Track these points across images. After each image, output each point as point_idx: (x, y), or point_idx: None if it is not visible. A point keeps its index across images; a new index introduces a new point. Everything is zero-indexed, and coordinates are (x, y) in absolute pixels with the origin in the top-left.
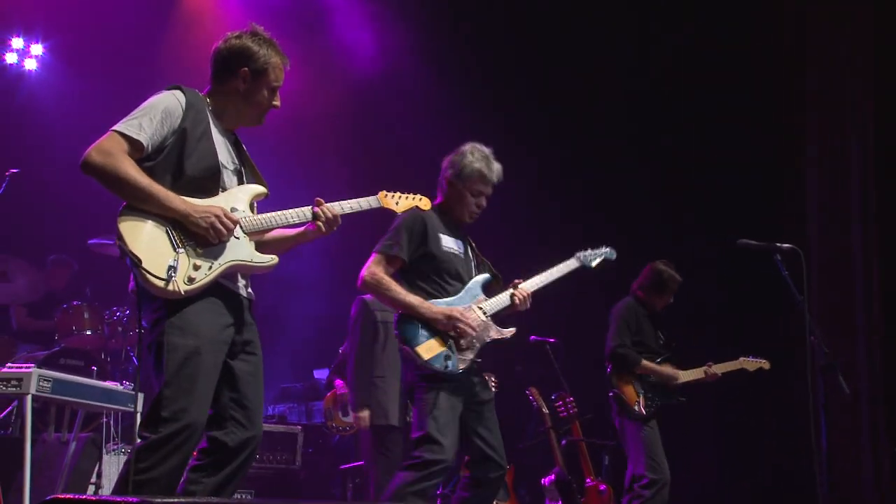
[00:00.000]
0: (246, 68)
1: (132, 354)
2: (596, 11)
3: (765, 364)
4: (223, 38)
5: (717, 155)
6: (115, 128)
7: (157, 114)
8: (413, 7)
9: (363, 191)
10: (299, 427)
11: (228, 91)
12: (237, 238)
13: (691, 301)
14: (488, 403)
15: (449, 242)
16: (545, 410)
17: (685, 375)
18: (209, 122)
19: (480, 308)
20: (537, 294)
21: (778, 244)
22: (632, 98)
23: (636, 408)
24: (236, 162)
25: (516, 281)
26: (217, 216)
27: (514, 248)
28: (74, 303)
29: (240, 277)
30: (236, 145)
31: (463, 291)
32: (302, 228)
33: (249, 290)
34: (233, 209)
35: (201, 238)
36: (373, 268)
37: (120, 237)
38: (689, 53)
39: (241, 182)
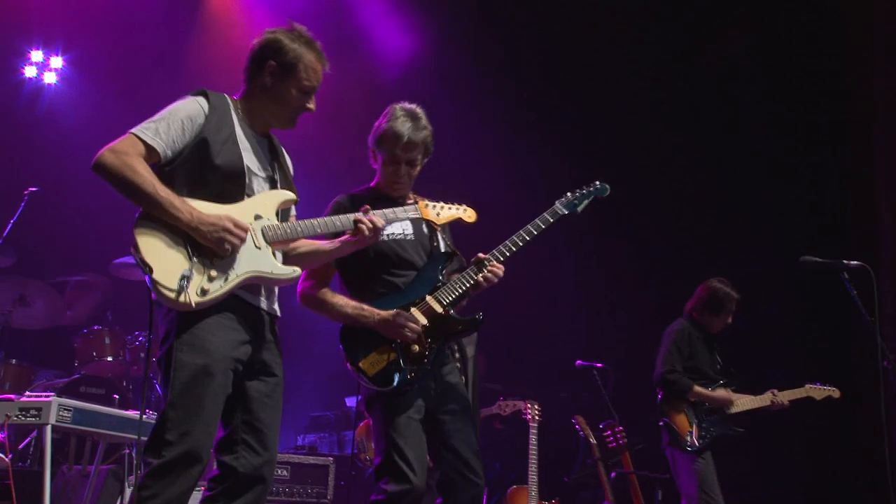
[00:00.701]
0: (273, 62)
1: (155, 382)
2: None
3: (834, 392)
4: (261, 32)
5: (779, 165)
6: (132, 130)
7: (177, 120)
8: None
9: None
10: (331, 458)
11: (256, 88)
12: (258, 248)
13: (751, 321)
14: (460, 413)
15: (390, 228)
16: (593, 440)
17: (744, 403)
18: (234, 126)
19: (436, 299)
20: (582, 317)
21: (845, 261)
22: (686, 100)
23: (689, 438)
24: (269, 168)
25: (480, 256)
26: (225, 228)
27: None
28: (95, 327)
29: (263, 290)
30: (272, 150)
31: (415, 280)
32: (338, 243)
33: (274, 305)
34: (256, 216)
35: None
36: (307, 280)
37: (135, 245)
38: (746, 62)
39: (273, 189)
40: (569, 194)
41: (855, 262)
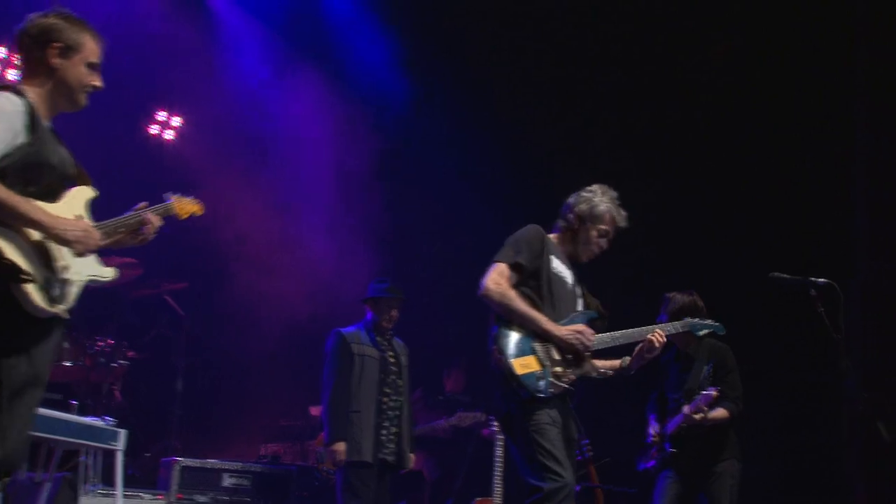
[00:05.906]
0: (59, 43)
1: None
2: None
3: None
4: (27, 19)
5: (754, 179)
6: None
7: (3, 122)
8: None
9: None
10: (294, 468)
11: (40, 73)
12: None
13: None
14: (575, 441)
15: (559, 267)
16: None
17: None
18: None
19: None
20: None
21: (813, 278)
22: (671, 121)
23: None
24: (63, 157)
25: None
26: (83, 229)
27: None
28: None
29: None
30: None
31: (570, 320)
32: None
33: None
34: (78, 217)
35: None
36: (496, 277)
37: None
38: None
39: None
40: (697, 320)
41: (822, 280)
